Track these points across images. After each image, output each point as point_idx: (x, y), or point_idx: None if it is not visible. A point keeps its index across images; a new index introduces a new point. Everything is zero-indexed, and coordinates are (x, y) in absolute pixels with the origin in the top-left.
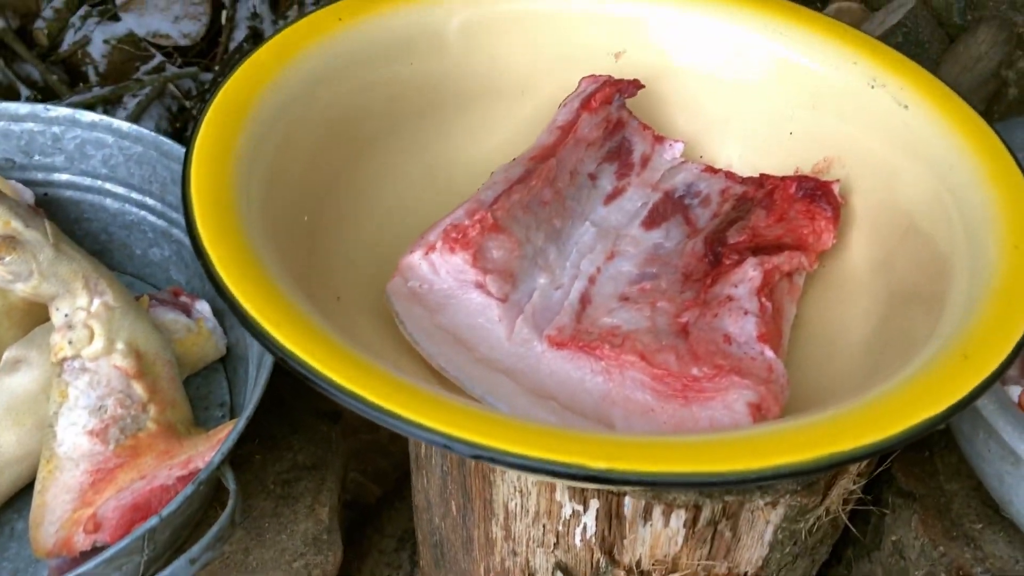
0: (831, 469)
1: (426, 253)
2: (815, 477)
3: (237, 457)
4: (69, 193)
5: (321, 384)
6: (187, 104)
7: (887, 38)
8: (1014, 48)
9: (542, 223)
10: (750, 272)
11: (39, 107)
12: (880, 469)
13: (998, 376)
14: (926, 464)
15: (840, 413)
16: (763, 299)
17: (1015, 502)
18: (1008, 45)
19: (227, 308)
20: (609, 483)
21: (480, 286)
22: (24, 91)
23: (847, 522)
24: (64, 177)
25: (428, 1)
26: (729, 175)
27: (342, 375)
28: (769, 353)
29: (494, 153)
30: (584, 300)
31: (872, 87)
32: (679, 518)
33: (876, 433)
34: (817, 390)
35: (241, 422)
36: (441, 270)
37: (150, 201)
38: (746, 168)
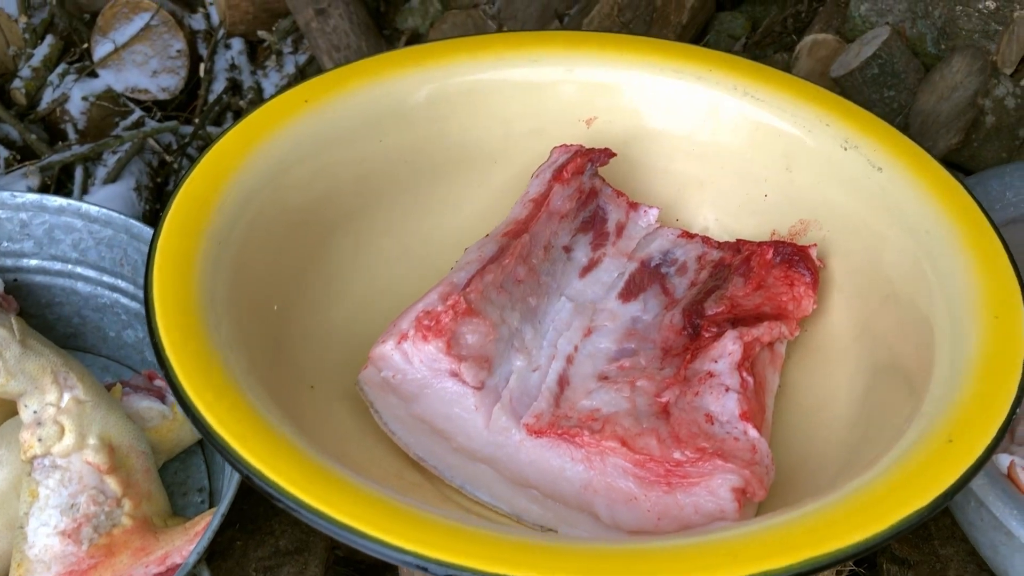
0: (812, 573)
1: (399, 342)
2: None
3: (217, 545)
4: (39, 278)
5: (286, 502)
6: (168, 158)
7: (864, 69)
8: (989, 76)
9: (517, 302)
10: (730, 346)
11: (5, 195)
12: None
13: (985, 461)
14: (920, 529)
15: (820, 509)
16: (744, 374)
17: (1011, 572)
18: (983, 74)
19: None
20: None
21: (455, 375)
22: (2, 151)
23: None
24: (34, 263)
25: (394, 76)
26: (706, 240)
27: (308, 492)
28: (752, 432)
29: (469, 225)
30: (562, 382)
31: (845, 149)
32: None
33: (858, 532)
34: (801, 464)
35: (217, 517)
36: (414, 359)
37: (122, 284)
38: (723, 232)
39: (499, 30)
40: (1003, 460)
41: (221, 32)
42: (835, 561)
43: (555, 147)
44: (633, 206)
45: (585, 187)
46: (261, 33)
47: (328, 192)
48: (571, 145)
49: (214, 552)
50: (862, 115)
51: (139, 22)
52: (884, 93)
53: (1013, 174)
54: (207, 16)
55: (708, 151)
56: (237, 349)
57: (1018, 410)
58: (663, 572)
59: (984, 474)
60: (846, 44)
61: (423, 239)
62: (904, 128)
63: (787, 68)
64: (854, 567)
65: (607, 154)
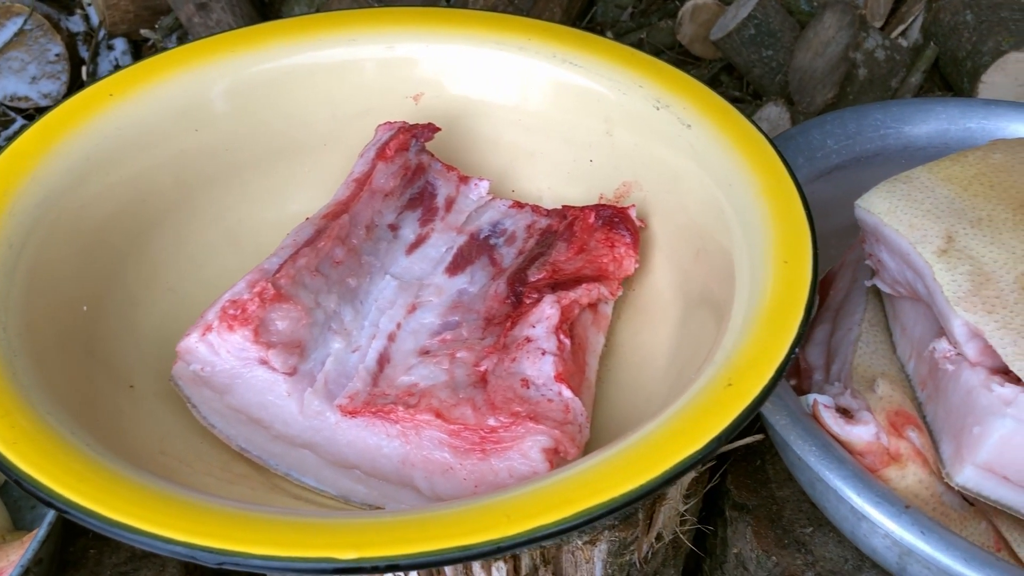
0: (589, 524)
1: (203, 334)
2: (582, 529)
3: (70, 555)
4: None
5: (49, 500)
6: None
7: (741, 31)
8: (858, 30)
9: (334, 284)
10: (547, 310)
11: None
12: (711, 485)
13: (760, 403)
14: (758, 473)
15: (600, 462)
16: (562, 337)
17: (828, 508)
18: (853, 27)
19: None
20: (361, 572)
21: (264, 362)
22: None
23: (688, 543)
24: None
25: (205, 64)
26: (535, 209)
27: (69, 487)
28: (567, 393)
29: (303, 211)
30: (382, 360)
31: (657, 108)
32: (500, 570)
33: (631, 480)
34: (628, 419)
35: (43, 527)
36: (221, 350)
37: None
38: (556, 199)
39: (383, 4)
40: (808, 400)
41: (102, 33)
42: (608, 511)
43: (379, 125)
44: (464, 180)
45: (411, 163)
46: (144, 32)
47: (142, 188)
48: (395, 122)
49: (66, 562)
50: (675, 75)
51: (12, 27)
52: (762, 53)
53: (833, 122)
54: (86, 17)
55: (535, 120)
56: (24, 354)
57: (841, 346)
58: (432, 540)
59: (787, 415)
60: (725, 7)
61: (253, 228)
62: (784, 86)
63: (672, 35)
64: (701, 525)
65: (431, 129)
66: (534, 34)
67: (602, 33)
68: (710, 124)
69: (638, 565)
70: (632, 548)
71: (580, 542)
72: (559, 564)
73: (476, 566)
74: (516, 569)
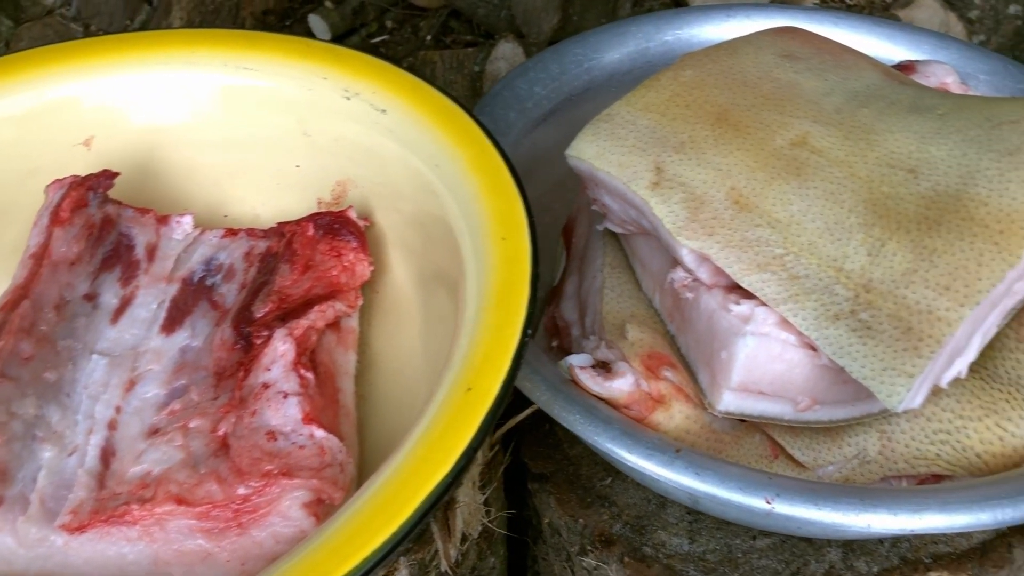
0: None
1: None
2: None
3: None
4: None
5: None
6: None
7: None
8: None
9: (28, 386)
10: (280, 347)
11: None
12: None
13: (501, 403)
14: (548, 437)
15: (351, 518)
16: (302, 372)
17: (614, 463)
18: None
19: None
20: None
21: None
22: None
23: (500, 530)
24: None
25: None
26: (251, 233)
27: None
28: (319, 433)
29: None
30: (106, 456)
31: (348, 98)
32: None
33: (382, 533)
34: (399, 430)
35: None
36: None
37: None
38: (274, 215)
39: (87, 33)
40: (565, 365)
41: None
42: (382, 556)
43: (48, 185)
44: (162, 220)
45: (95, 219)
46: None
47: None
48: (65, 178)
49: None
50: (359, 60)
51: None
52: None
53: (535, 68)
54: None
55: (227, 135)
56: None
57: (589, 297)
58: None
59: (545, 388)
60: None
61: None
62: (511, 21)
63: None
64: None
65: (107, 176)
66: (199, 45)
67: (320, 3)
68: (405, 105)
69: (451, 573)
70: (434, 564)
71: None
72: None
73: None
74: None
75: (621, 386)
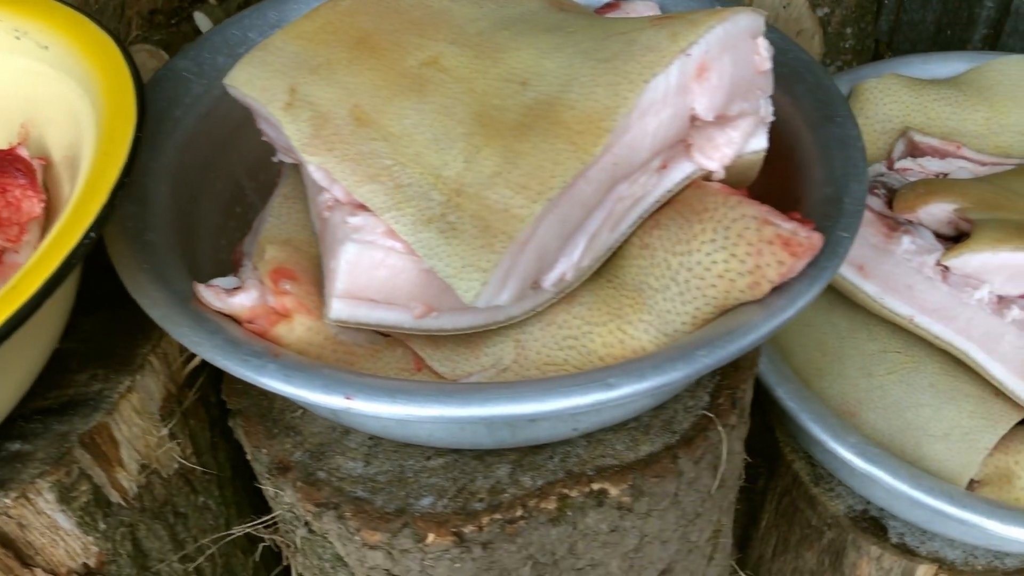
0: None
1: None
2: None
3: None
4: None
5: None
6: None
7: None
8: None
9: None
10: None
11: None
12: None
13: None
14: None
15: None
16: None
17: None
18: None
19: None
20: None
21: None
22: None
23: (195, 464)
24: None
25: None
26: None
27: None
28: None
29: None
30: None
31: (18, 39)
32: None
33: None
34: None
35: None
36: None
37: None
38: None
39: None
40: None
41: None
42: None
43: None
44: None
45: None
46: None
47: None
48: None
49: None
50: (32, 2)
51: None
52: None
53: (252, 16)
54: None
55: None
56: None
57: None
58: None
59: (164, 305)
60: None
61: None
62: None
63: None
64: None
65: None
66: None
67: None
68: (65, 40)
69: (127, 503)
70: (86, 490)
71: (8, 501)
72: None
73: None
74: None
75: (243, 301)
